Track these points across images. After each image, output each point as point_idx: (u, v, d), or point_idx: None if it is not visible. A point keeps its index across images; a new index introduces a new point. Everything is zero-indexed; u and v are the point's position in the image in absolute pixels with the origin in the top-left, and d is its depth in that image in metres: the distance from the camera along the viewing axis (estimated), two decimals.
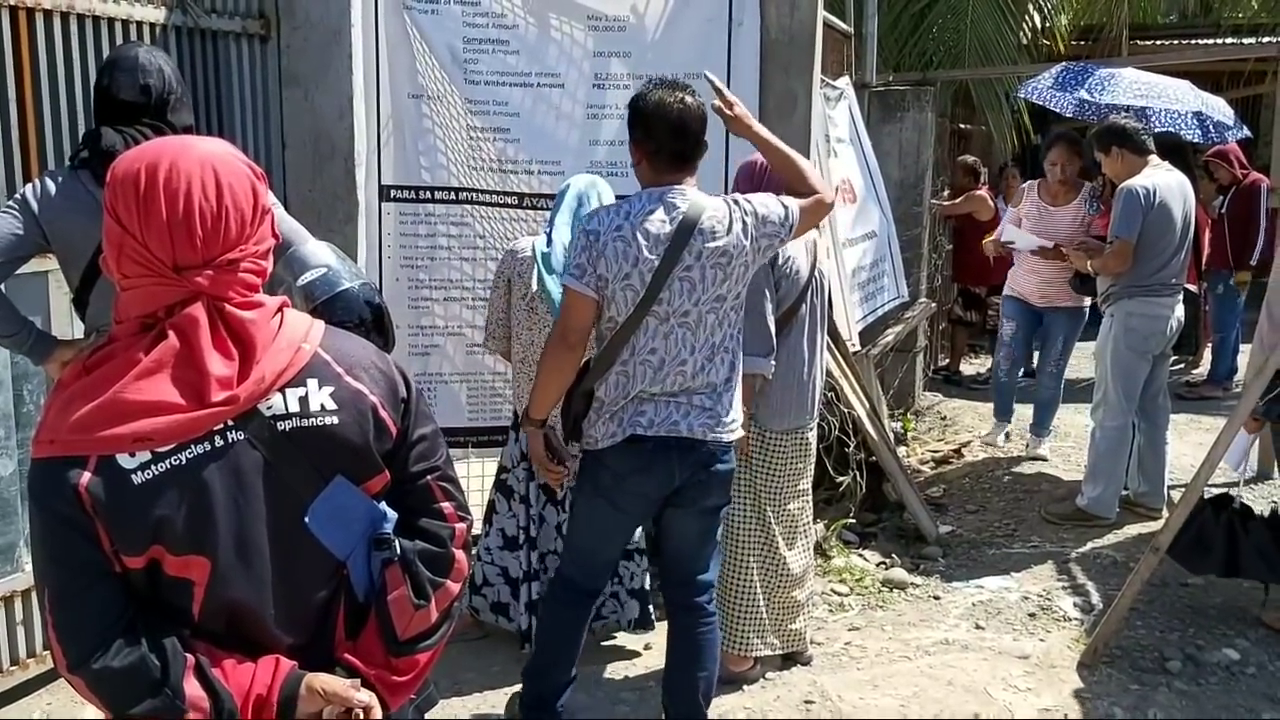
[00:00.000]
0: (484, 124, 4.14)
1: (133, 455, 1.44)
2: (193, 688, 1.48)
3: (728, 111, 3.08)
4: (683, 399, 2.90)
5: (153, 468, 1.45)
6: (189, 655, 1.50)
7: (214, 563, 1.50)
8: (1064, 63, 7.57)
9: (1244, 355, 6.52)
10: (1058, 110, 7.21)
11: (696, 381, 2.90)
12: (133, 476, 1.44)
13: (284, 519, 1.56)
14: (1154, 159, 5.13)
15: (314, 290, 2.57)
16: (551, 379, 2.95)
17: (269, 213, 1.58)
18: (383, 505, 1.66)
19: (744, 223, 2.89)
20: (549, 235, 3.40)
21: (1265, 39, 8.69)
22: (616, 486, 2.96)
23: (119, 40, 3.56)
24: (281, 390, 1.53)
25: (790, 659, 3.88)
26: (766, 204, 2.96)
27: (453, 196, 4.16)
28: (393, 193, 4.11)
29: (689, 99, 2.89)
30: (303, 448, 1.55)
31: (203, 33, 3.86)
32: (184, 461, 1.47)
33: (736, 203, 2.93)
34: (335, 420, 1.57)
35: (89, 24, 3.48)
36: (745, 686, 3.73)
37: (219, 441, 1.49)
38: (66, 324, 3.39)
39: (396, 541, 1.65)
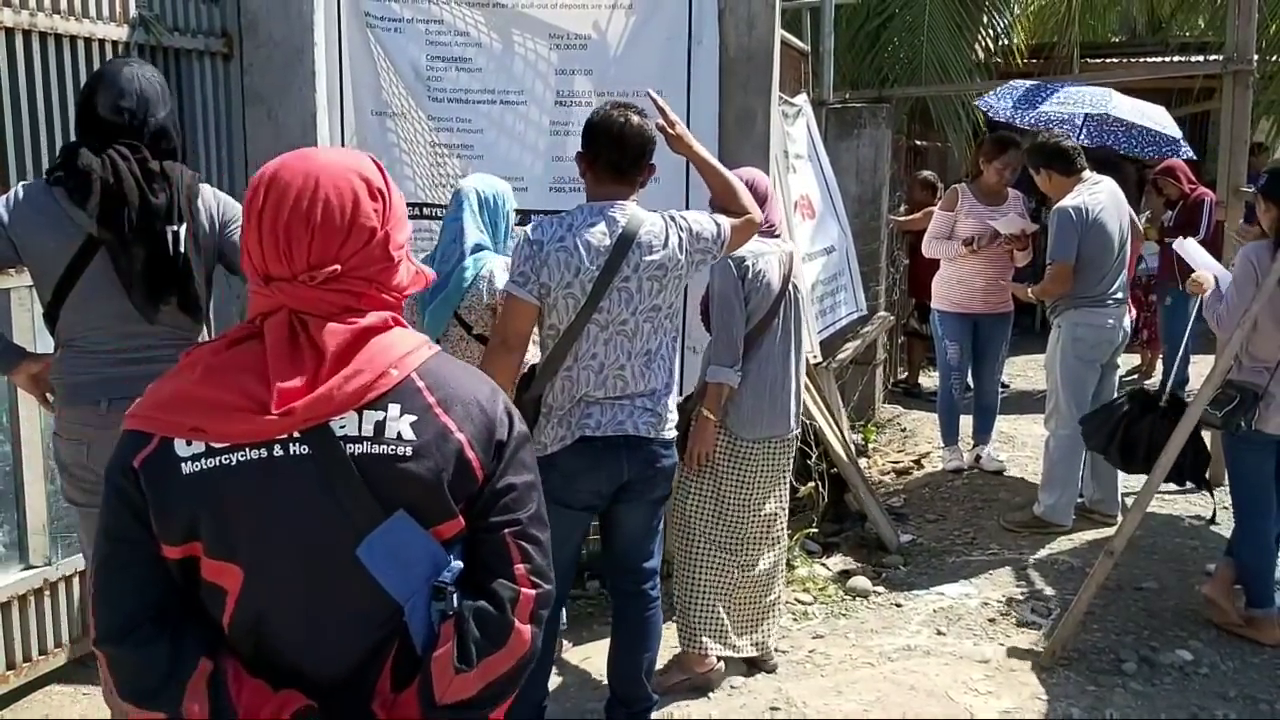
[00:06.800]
0: (448, 140, 4.17)
1: (189, 444, 1.43)
2: (198, 695, 1.44)
3: (669, 130, 3.19)
4: (625, 402, 3.05)
5: (203, 461, 1.42)
6: (209, 660, 1.45)
7: (246, 573, 1.45)
8: (1016, 81, 7.69)
9: (1194, 366, 6.64)
10: (1017, 124, 7.33)
11: (637, 387, 3.04)
12: (183, 465, 1.42)
13: (335, 545, 1.46)
14: (1085, 174, 5.22)
15: None
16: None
17: (376, 231, 1.48)
18: (451, 554, 1.53)
19: (679, 238, 3.04)
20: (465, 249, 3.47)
21: (1212, 57, 8.88)
22: (566, 487, 3.05)
23: (82, 58, 3.57)
24: (359, 411, 1.46)
25: (755, 666, 3.93)
26: (701, 221, 3.11)
27: (417, 212, 4.18)
28: None
29: (634, 118, 3.02)
30: (368, 475, 1.45)
31: (165, 51, 3.87)
32: (234, 463, 1.43)
33: (673, 219, 3.07)
34: (410, 451, 1.46)
35: (51, 42, 3.49)
36: (711, 694, 3.77)
37: (278, 451, 1.44)
38: (28, 339, 3.38)
39: (454, 594, 1.51)
